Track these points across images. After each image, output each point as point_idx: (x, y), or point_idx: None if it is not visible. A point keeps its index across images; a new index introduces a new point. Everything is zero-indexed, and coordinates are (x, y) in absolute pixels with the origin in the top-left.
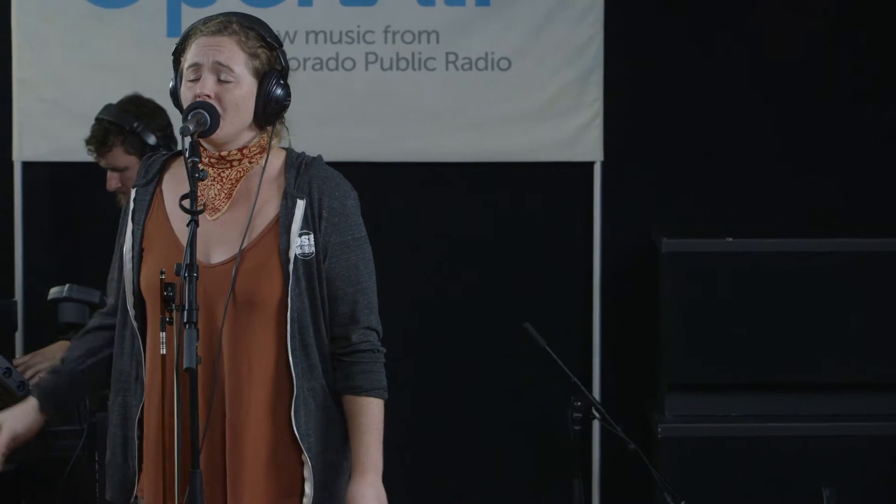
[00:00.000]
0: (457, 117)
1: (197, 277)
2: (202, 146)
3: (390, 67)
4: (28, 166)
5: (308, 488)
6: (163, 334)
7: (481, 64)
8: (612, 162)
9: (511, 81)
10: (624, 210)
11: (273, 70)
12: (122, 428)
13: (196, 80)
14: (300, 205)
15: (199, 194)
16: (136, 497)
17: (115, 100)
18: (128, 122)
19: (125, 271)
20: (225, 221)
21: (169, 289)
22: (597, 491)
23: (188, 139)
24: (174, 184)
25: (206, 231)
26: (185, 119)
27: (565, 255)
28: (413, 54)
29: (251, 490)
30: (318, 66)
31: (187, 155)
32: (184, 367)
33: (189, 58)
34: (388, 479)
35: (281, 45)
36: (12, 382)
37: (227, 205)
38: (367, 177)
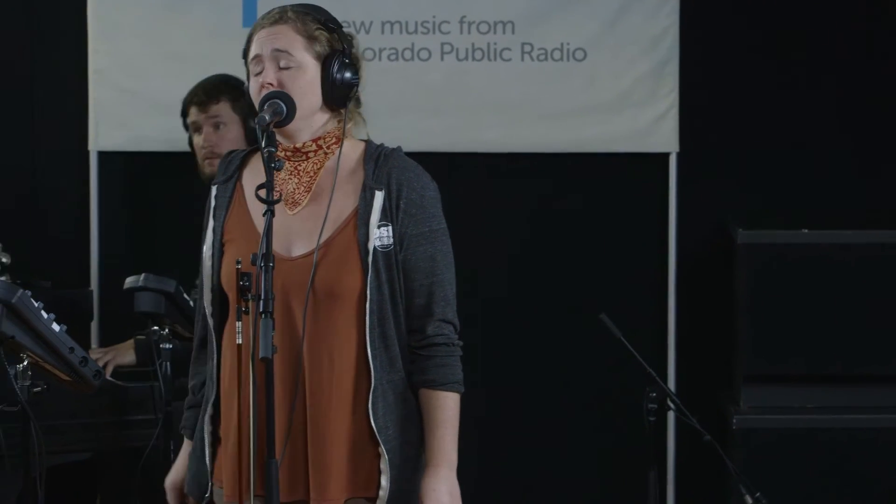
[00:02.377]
0: (532, 108)
1: (273, 268)
2: (277, 140)
3: (466, 58)
4: (104, 156)
5: (385, 481)
6: (239, 324)
7: (557, 55)
8: (688, 153)
9: (586, 72)
10: (699, 201)
11: (335, 51)
12: (200, 419)
13: (260, 72)
14: (379, 196)
15: (277, 189)
16: (212, 487)
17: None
18: (239, 83)
19: (205, 268)
20: (305, 215)
21: (245, 278)
22: (671, 482)
23: (264, 129)
24: (253, 178)
25: (287, 225)
26: (260, 109)
27: (640, 246)
28: (489, 45)
29: (332, 481)
30: (393, 57)
31: (263, 145)
32: (259, 356)
33: (251, 52)
34: (462, 472)
35: (339, 26)
36: (88, 371)
37: (307, 198)
38: (442, 167)
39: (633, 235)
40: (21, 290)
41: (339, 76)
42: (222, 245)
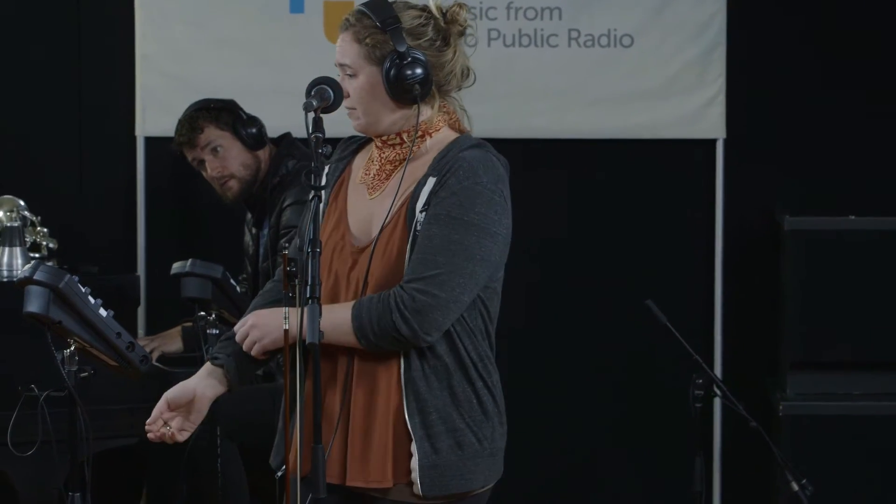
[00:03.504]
0: (579, 94)
1: (320, 253)
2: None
3: (513, 44)
4: (151, 141)
5: (414, 463)
6: (286, 310)
7: (604, 41)
8: (735, 139)
9: (633, 58)
10: (746, 187)
11: (392, 52)
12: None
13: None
14: (430, 182)
15: (367, 174)
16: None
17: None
18: (209, 101)
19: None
20: (379, 201)
21: (292, 264)
22: (718, 468)
23: (311, 115)
24: (360, 161)
25: (368, 210)
26: (307, 94)
27: (687, 232)
28: (536, 31)
29: (375, 466)
30: None
31: (310, 130)
32: (307, 342)
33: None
34: (509, 456)
35: (395, 24)
36: (135, 356)
37: (385, 186)
38: None
39: (679, 222)
40: (68, 276)
41: (392, 76)
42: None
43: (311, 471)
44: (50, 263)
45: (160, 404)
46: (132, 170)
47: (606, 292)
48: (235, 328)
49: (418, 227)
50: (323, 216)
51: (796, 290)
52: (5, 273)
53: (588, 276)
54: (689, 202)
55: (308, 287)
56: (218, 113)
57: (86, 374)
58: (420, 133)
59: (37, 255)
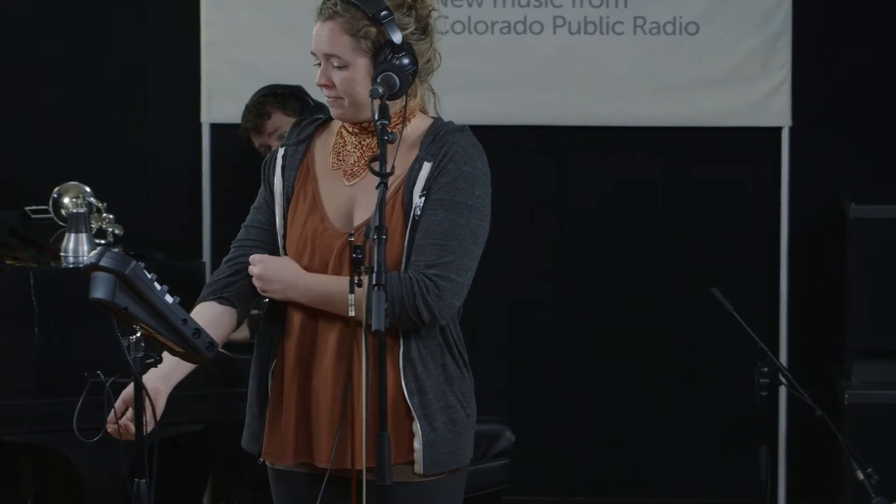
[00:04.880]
0: (644, 82)
1: (386, 240)
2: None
3: (578, 31)
4: (216, 128)
5: (417, 444)
6: (351, 296)
7: (669, 28)
8: (800, 127)
9: (699, 46)
10: (811, 175)
11: (385, 44)
12: (257, 378)
13: (318, 64)
14: (426, 167)
15: (340, 160)
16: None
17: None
18: (277, 87)
19: (278, 222)
20: (362, 186)
21: (358, 251)
22: (783, 457)
23: (377, 102)
24: (324, 148)
25: (348, 196)
26: (374, 82)
27: (752, 220)
28: (601, 18)
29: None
30: (505, 30)
31: (376, 117)
32: (372, 329)
33: (312, 44)
34: (576, 446)
35: (390, 17)
36: (201, 343)
37: (365, 172)
38: (552, 140)
39: (744, 209)
40: (134, 262)
41: (386, 69)
42: (288, 206)
43: (378, 458)
44: (116, 250)
45: (118, 403)
46: (198, 156)
47: (671, 280)
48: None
49: (418, 212)
50: (288, 200)
51: (861, 279)
52: (71, 259)
53: (652, 265)
54: (754, 190)
55: (374, 274)
56: (285, 99)
57: (152, 360)
58: (400, 119)
59: (103, 242)
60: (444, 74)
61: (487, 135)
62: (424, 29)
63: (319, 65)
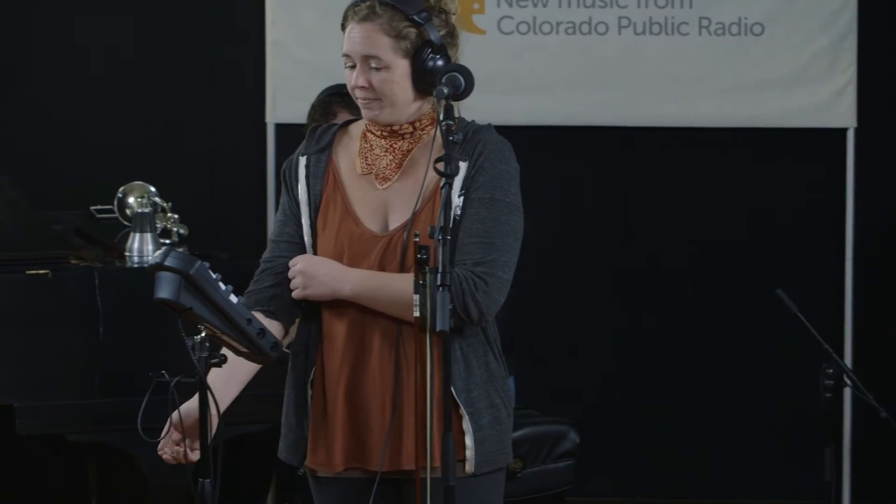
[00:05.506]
0: (709, 82)
1: (451, 240)
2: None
3: (643, 32)
4: (281, 128)
5: (469, 441)
6: (416, 296)
7: (734, 29)
8: (866, 128)
9: (764, 47)
10: (877, 176)
11: (424, 45)
12: (295, 388)
13: (352, 66)
14: (462, 167)
15: (369, 164)
16: (307, 466)
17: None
18: (344, 87)
19: (305, 230)
20: (396, 190)
21: (423, 251)
22: (847, 458)
23: (442, 102)
24: (346, 153)
25: (380, 200)
26: (439, 82)
27: (817, 221)
28: (666, 19)
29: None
30: (570, 30)
31: (441, 118)
32: (437, 329)
33: (343, 45)
34: (639, 446)
35: (429, 19)
36: (265, 343)
37: (398, 174)
38: (617, 141)
39: (810, 210)
40: (199, 262)
41: (426, 70)
42: (317, 215)
43: (442, 459)
44: (180, 250)
45: (169, 428)
46: (262, 156)
47: (735, 281)
48: (290, 263)
49: (458, 212)
50: (316, 209)
51: None
52: (136, 259)
53: (716, 265)
54: (819, 191)
55: (438, 275)
56: (350, 98)
57: (216, 360)
58: (429, 122)
59: (167, 241)
60: (508, 75)
61: (551, 135)
62: (452, 32)
63: (352, 67)
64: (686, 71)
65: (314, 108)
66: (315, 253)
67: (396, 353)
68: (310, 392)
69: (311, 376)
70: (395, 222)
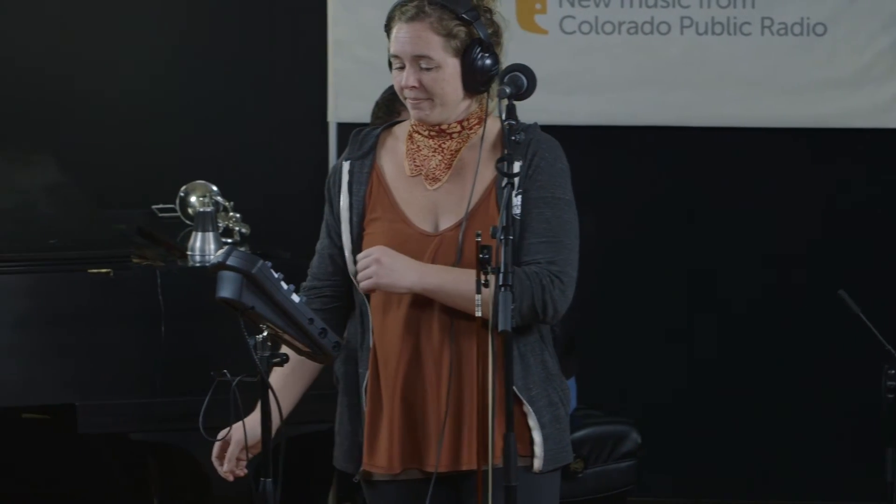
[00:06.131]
0: (771, 83)
1: (513, 240)
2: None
3: (705, 32)
4: (343, 127)
5: (538, 437)
6: (478, 297)
7: (797, 29)
8: None
9: (826, 47)
10: None
11: (474, 43)
12: (348, 395)
13: (400, 67)
14: (516, 166)
15: (418, 165)
16: (364, 469)
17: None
18: None
19: (344, 241)
20: (447, 190)
21: (485, 251)
22: None
23: (504, 102)
24: (390, 156)
25: (431, 201)
26: (501, 82)
27: (879, 221)
28: (728, 19)
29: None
30: (633, 30)
31: (503, 117)
32: (499, 329)
33: (391, 46)
34: (703, 447)
35: (478, 17)
36: (327, 343)
37: (448, 174)
38: (679, 141)
39: (873, 211)
40: (261, 261)
41: (476, 68)
42: (362, 220)
43: (504, 458)
44: (242, 249)
45: (235, 450)
46: (324, 155)
47: (796, 282)
48: (359, 256)
49: (516, 211)
50: (360, 214)
51: None
52: (198, 258)
53: (778, 266)
54: (881, 191)
55: (500, 275)
56: None
57: (278, 359)
58: (477, 121)
59: (229, 241)
60: (570, 75)
61: (612, 135)
62: (497, 30)
63: (401, 68)
64: (748, 71)
65: (378, 105)
66: (354, 259)
67: (451, 353)
68: (364, 398)
69: (365, 382)
70: (447, 222)
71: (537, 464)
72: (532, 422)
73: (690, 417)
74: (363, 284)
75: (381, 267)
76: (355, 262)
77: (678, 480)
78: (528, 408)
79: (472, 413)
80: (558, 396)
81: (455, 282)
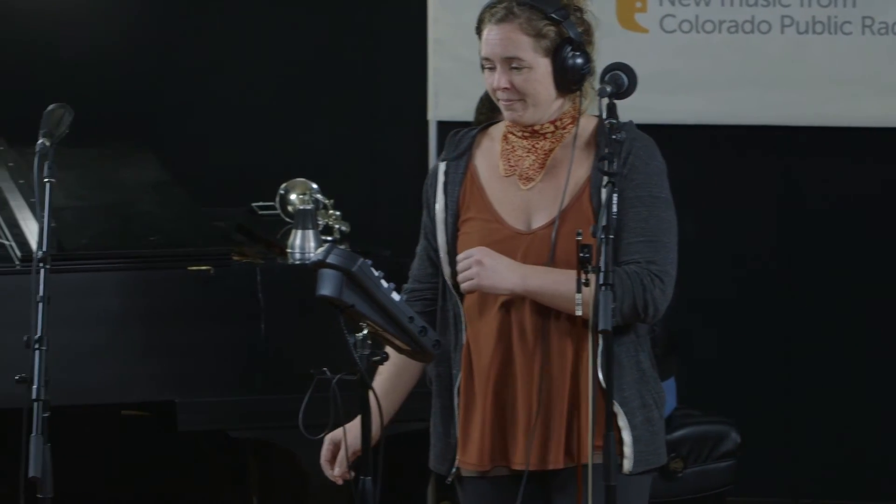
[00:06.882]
0: (872, 82)
1: (613, 239)
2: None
3: (806, 31)
4: (443, 125)
5: (627, 437)
6: (578, 296)
7: None
8: None
9: None
10: None
11: (564, 42)
12: (441, 397)
13: (491, 68)
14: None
15: (512, 165)
16: (458, 468)
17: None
18: None
19: (439, 241)
20: (540, 189)
21: (585, 250)
22: None
23: (605, 100)
24: (486, 158)
25: (524, 200)
26: (602, 80)
27: None
28: (829, 18)
29: (579, 445)
30: (733, 29)
31: (604, 116)
32: (599, 328)
33: (481, 48)
34: (803, 446)
35: (567, 16)
36: (427, 341)
37: (542, 174)
38: (780, 140)
39: None
40: (361, 259)
41: (567, 67)
42: (456, 220)
43: (604, 458)
44: (343, 247)
45: (346, 455)
46: (424, 153)
47: (872, 282)
48: (459, 257)
49: (614, 210)
50: (455, 214)
51: None
52: (298, 256)
53: (876, 265)
54: None
55: (601, 274)
56: None
57: (378, 357)
58: (571, 120)
59: (329, 239)
60: (671, 74)
61: (713, 134)
62: (588, 29)
63: (492, 69)
64: (848, 71)
65: (482, 101)
66: (455, 253)
67: (543, 352)
68: (456, 399)
69: (458, 382)
70: (540, 221)
71: (626, 464)
72: (622, 422)
73: (791, 417)
74: (465, 286)
75: (482, 268)
76: (451, 263)
77: (778, 480)
78: (618, 408)
79: (562, 412)
80: (652, 398)
81: (556, 283)
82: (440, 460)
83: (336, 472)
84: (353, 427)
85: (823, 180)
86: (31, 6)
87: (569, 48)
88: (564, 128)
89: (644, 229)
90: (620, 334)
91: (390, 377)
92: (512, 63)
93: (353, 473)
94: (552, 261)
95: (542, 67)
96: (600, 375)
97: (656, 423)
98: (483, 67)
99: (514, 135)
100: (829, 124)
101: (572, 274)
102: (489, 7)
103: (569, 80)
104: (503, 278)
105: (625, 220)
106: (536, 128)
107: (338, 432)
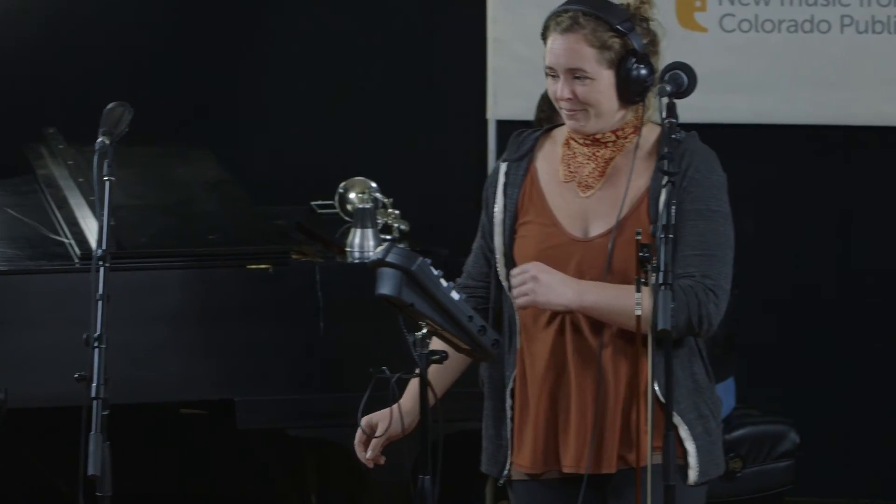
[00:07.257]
0: None
1: (673, 239)
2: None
3: (866, 31)
4: (502, 125)
5: (691, 447)
6: (638, 295)
7: None
8: None
9: None
10: None
11: (628, 54)
12: (493, 399)
13: (555, 76)
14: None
15: (572, 171)
16: (510, 471)
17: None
18: None
19: (496, 243)
20: (599, 198)
21: (645, 249)
22: None
23: (664, 100)
24: (547, 161)
25: (582, 207)
26: (661, 80)
27: None
28: (889, 17)
29: (634, 451)
30: (792, 29)
31: (664, 115)
32: (658, 328)
33: (546, 56)
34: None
35: (633, 28)
36: (486, 340)
37: (601, 182)
38: (840, 140)
39: None
40: (420, 258)
41: (630, 79)
42: (514, 222)
43: (664, 457)
44: (402, 246)
45: (382, 440)
46: (483, 153)
47: None
48: (514, 272)
49: (672, 221)
50: (513, 216)
51: None
52: (357, 254)
53: None
54: None
55: (661, 273)
56: None
57: (437, 356)
58: (633, 129)
59: (388, 237)
60: (730, 73)
61: (773, 134)
62: (654, 40)
63: (555, 77)
64: None
65: (543, 99)
66: (512, 259)
67: (599, 355)
68: (509, 401)
69: (511, 384)
70: (597, 229)
71: (692, 475)
72: (684, 432)
73: (851, 416)
74: (519, 301)
75: (538, 284)
76: (506, 265)
77: (838, 481)
78: (678, 419)
79: (616, 416)
80: (708, 409)
81: (612, 298)
82: (492, 462)
83: (369, 454)
84: (385, 415)
85: (882, 180)
86: (90, 7)
87: (633, 60)
88: (626, 137)
89: (701, 243)
90: (675, 346)
91: (436, 368)
92: (575, 74)
93: (384, 459)
94: (608, 270)
95: (606, 79)
96: (657, 387)
97: (714, 434)
98: (547, 75)
99: (575, 141)
100: (888, 124)
101: (628, 289)
102: (555, 15)
103: (632, 92)
104: (558, 294)
105: (682, 232)
106: (597, 136)
107: (375, 416)
